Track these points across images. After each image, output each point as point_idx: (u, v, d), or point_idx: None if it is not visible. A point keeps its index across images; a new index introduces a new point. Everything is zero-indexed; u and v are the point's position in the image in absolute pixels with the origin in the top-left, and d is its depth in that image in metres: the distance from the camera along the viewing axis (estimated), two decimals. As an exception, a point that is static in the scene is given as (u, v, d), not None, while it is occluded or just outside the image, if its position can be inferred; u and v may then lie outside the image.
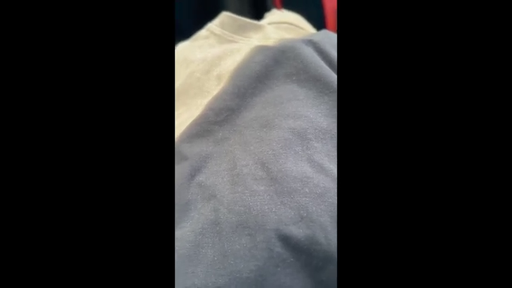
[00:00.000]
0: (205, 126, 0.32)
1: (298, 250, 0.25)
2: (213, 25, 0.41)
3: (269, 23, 0.40)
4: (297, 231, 0.25)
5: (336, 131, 0.29)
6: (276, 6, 0.68)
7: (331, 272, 0.26)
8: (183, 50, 0.40)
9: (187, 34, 0.42)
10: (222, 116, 0.32)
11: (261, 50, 0.34)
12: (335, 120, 0.30)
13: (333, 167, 0.28)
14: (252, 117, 0.31)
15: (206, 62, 0.37)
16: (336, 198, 0.26)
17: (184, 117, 0.34)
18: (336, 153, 0.28)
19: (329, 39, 0.34)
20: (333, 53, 0.32)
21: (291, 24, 0.40)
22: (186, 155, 0.31)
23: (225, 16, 0.40)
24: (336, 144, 0.29)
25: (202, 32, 0.41)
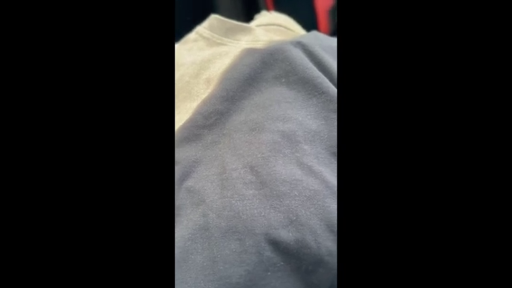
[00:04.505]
0: (194, 131, 0.31)
1: (288, 254, 0.25)
2: (202, 28, 0.40)
3: (258, 25, 0.40)
4: (287, 235, 0.25)
5: (325, 133, 0.29)
6: (267, 8, 0.68)
7: (322, 275, 0.26)
8: (173, 54, 0.40)
9: (178, 36, 0.42)
10: (211, 119, 0.31)
11: (250, 52, 0.33)
12: (324, 122, 0.29)
13: (322, 169, 0.27)
14: (241, 120, 0.31)
15: (195, 65, 0.36)
16: (326, 200, 0.26)
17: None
18: (325, 156, 0.28)
19: (318, 40, 0.34)
20: (322, 54, 0.32)
21: (280, 26, 0.40)
22: (175, 159, 0.30)
23: (213, 19, 0.40)
24: (325, 147, 0.29)
25: (191, 35, 0.41)
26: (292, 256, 0.25)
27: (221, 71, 0.34)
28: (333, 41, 0.35)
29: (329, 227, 0.25)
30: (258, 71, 0.32)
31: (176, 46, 0.42)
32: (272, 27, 0.40)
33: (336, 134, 0.29)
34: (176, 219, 0.28)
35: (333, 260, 0.25)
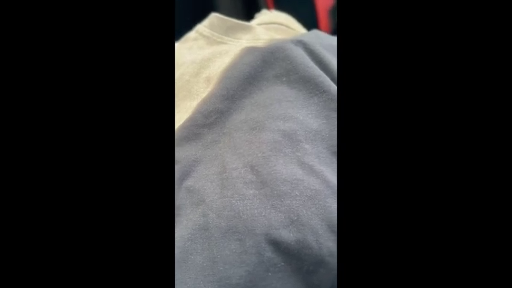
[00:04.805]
0: (194, 130, 0.31)
1: (289, 254, 0.25)
2: (202, 26, 0.40)
3: (259, 24, 0.40)
4: (287, 235, 0.25)
5: (326, 132, 0.29)
6: (267, 7, 0.68)
7: (323, 275, 0.25)
8: (172, 52, 0.40)
9: (179, 35, 0.42)
10: (211, 118, 0.31)
11: (250, 51, 0.33)
12: (325, 121, 0.29)
13: (323, 169, 0.27)
14: (241, 119, 0.31)
15: (195, 64, 0.36)
16: (327, 200, 0.26)
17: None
18: (326, 155, 0.28)
19: (319, 39, 0.34)
20: (324, 53, 0.32)
21: (281, 24, 0.40)
22: (175, 159, 0.30)
23: (214, 17, 0.40)
24: (326, 146, 0.28)
25: (191, 34, 0.41)
26: (293, 256, 0.25)
27: (221, 69, 0.33)
28: (334, 40, 0.35)
29: (330, 227, 0.25)
30: (259, 70, 0.32)
31: (177, 45, 0.41)
32: (273, 26, 0.40)
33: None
34: (176, 219, 0.27)
35: (334, 261, 0.25)
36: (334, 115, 0.29)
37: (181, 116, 0.33)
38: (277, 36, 0.37)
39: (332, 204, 0.26)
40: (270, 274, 0.25)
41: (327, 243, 0.25)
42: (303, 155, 0.28)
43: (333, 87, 0.30)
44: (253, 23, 0.41)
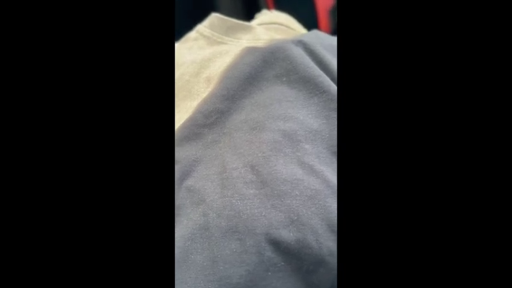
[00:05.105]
0: (194, 130, 0.31)
1: (289, 254, 0.25)
2: (202, 26, 0.40)
3: (259, 24, 0.40)
4: (288, 235, 0.25)
5: (326, 132, 0.29)
6: (267, 7, 0.68)
7: (322, 275, 0.26)
8: (173, 52, 0.40)
9: (179, 35, 0.42)
10: (211, 118, 0.31)
11: (251, 51, 0.33)
12: (325, 121, 0.29)
13: (323, 169, 0.27)
14: (241, 119, 0.31)
15: (195, 64, 0.36)
16: (327, 200, 0.26)
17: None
18: (326, 155, 0.28)
19: (319, 39, 0.34)
20: (324, 53, 0.32)
21: (281, 24, 0.40)
22: (175, 158, 0.30)
23: (214, 17, 0.40)
24: (326, 146, 0.28)
25: (192, 34, 0.41)
26: (293, 256, 0.25)
27: (221, 69, 0.33)
28: (334, 40, 0.35)
29: (330, 227, 0.25)
30: (259, 70, 0.32)
31: (177, 45, 0.41)
32: (273, 26, 0.40)
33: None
34: (176, 218, 0.27)
35: (334, 260, 0.25)
36: (334, 115, 0.29)
37: (181, 116, 0.33)
38: (278, 36, 0.37)
39: (332, 204, 0.26)
40: (270, 274, 0.25)
41: (327, 243, 0.25)
42: (303, 155, 0.28)
43: (333, 87, 0.30)
44: (254, 23, 0.41)
